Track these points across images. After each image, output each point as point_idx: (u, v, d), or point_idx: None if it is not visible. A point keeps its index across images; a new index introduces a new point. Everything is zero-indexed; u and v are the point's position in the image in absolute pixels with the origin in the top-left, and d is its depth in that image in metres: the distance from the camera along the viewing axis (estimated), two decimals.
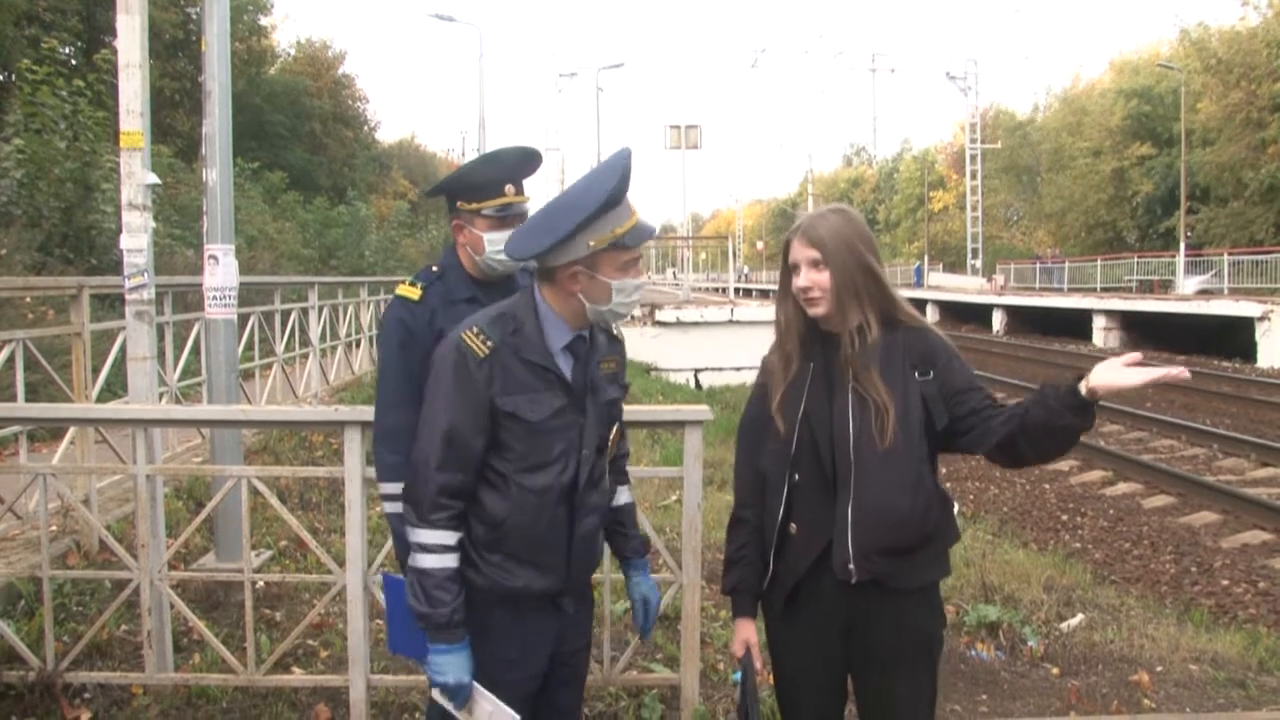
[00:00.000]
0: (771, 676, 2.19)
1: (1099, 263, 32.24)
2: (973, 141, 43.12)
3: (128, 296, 4.58)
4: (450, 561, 1.88)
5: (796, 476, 2.00)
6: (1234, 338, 20.90)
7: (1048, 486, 9.55)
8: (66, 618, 3.81)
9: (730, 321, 17.47)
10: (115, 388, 6.02)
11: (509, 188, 2.32)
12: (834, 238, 1.99)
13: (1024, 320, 31.12)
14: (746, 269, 61.99)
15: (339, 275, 18.34)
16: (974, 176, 43.15)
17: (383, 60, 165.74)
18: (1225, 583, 6.69)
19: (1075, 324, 27.11)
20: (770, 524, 2.04)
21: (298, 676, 3.41)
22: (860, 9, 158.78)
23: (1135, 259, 31.50)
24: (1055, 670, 3.96)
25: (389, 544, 2.76)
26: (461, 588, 1.90)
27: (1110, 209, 38.49)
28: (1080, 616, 4.65)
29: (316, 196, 25.79)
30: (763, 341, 2.30)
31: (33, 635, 3.41)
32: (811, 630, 2.04)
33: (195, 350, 6.66)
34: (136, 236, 4.51)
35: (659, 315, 17.44)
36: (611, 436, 2.07)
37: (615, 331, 2.11)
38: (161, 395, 5.66)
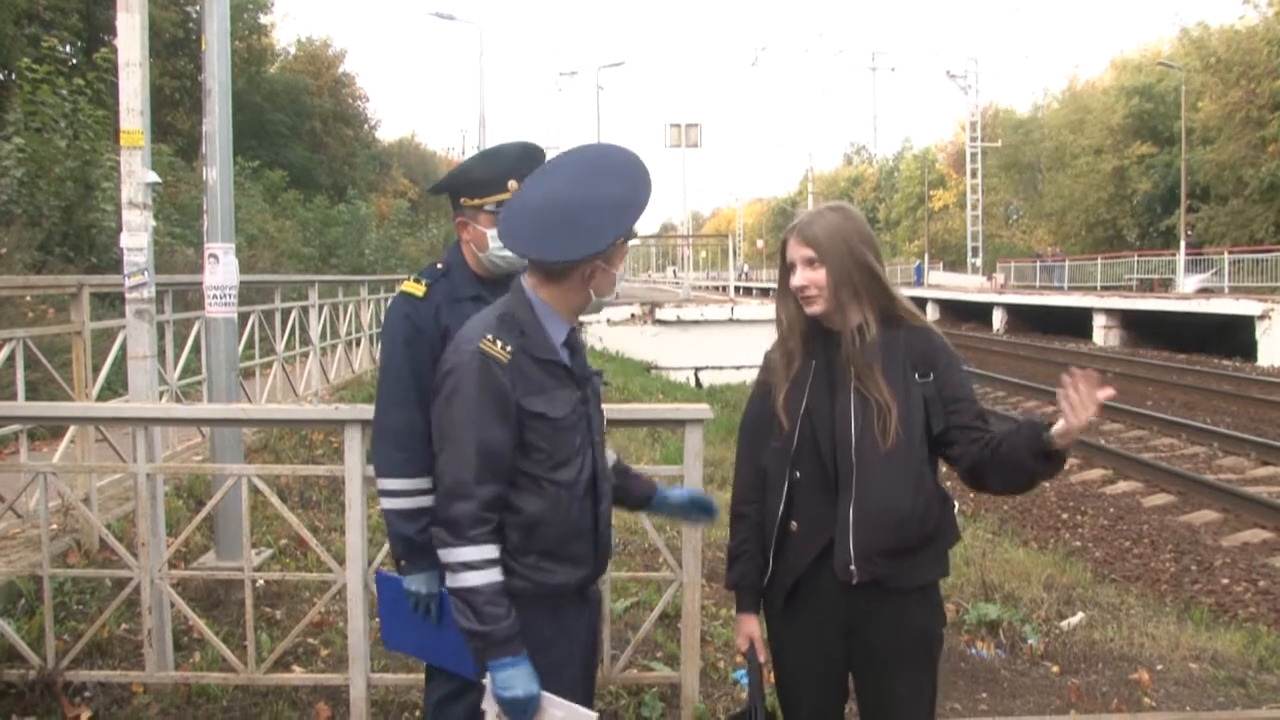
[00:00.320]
0: (772, 674, 2.19)
1: (1099, 261, 32.22)
2: (973, 140, 43.09)
3: (128, 295, 4.57)
4: (497, 575, 1.86)
5: (797, 474, 2.01)
6: (1234, 336, 20.91)
7: (1048, 485, 9.52)
8: (67, 616, 3.81)
9: (730, 320, 17.49)
10: (115, 386, 6.01)
11: (511, 183, 2.31)
12: (830, 236, 1.98)
13: (1024, 319, 31.13)
14: (747, 267, 62.07)
15: (339, 274, 18.33)
16: (974, 175, 43.15)
17: (383, 59, 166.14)
18: (1225, 581, 6.70)
19: (1075, 322, 27.12)
20: (770, 521, 2.04)
21: (298, 675, 3.41)
22: (861, 8, 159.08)
23: (1135, 257, 31.45)
24: (1055, 668, 3.95)
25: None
26: (509, 599, 1.88)
27: (1111, 207, 38.48)
28: (1080, 615, 4.65)
29: (316, 195, 25.76)
30: (763, 340, 2.31)
31: (33, 634, 3.42)
32: (811, 628, 2.05)
33: (195, 349, 6.65)
34: (137, 235, 4.50)
35: (659, 314, 17.45)
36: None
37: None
38: (162, 394, 5.66)
